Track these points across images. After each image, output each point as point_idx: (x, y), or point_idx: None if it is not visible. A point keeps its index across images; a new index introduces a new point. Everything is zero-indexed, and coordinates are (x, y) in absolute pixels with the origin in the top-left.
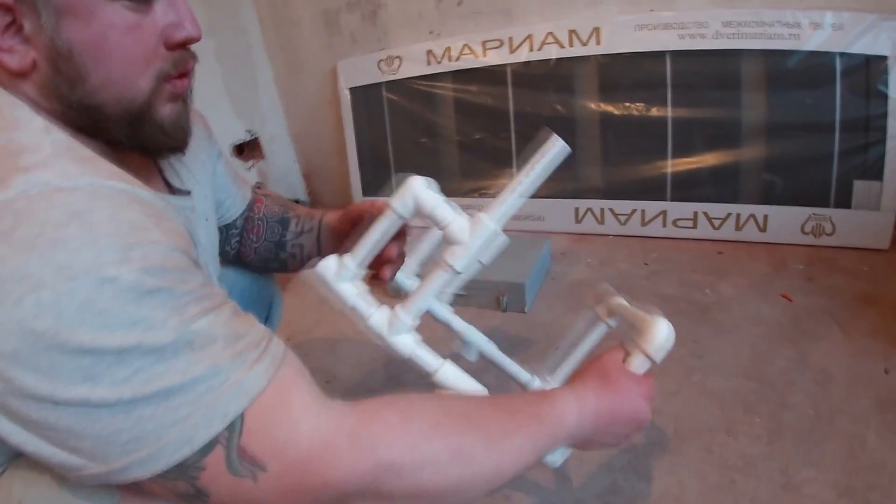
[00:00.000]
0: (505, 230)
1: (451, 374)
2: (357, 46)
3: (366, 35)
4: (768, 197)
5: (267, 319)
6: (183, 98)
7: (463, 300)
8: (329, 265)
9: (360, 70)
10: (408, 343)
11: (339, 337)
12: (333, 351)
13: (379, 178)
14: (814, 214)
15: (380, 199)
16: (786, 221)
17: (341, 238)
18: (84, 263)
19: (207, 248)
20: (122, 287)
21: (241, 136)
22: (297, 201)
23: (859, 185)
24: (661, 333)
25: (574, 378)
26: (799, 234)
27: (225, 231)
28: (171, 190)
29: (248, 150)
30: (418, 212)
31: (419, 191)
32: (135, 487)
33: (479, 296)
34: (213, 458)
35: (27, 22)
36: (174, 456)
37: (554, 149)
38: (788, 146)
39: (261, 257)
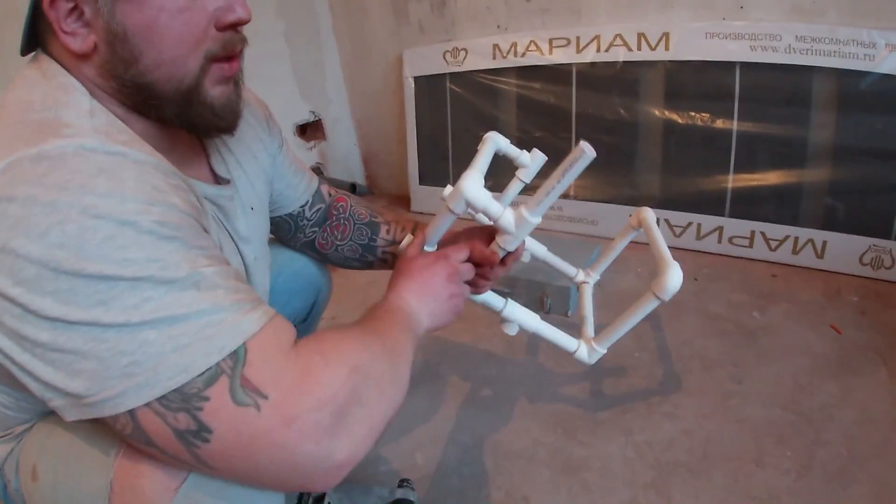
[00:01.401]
0: (558, 232)
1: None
2: (424, 36)
3: (433, 25)
4: (829, 223)
5: (313, 306)
6: (235, 80)
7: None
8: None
9: (426, 59)
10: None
11: None
12: None
13: (436, 168)
14: (874, 245)
15: (481, 248)
16: (845, 250)
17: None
18: (109, 207)
19: (251, 236)
20: (142, 230)
21: (305, 117)
22: (353, 185)
23: None
24: (672, 280)
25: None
26: (857, 265)
27: (293, 221)
28: (216, 177)
29: (310, 130)
30: (471, 208)
31: (471, 193)
32: (130, 443)
33: (524, 294)
34: (217, 388)
35: (87, 7)
36: (170, 382)
37: (583, 155)
38: (854, 172)
39: (342, 255)
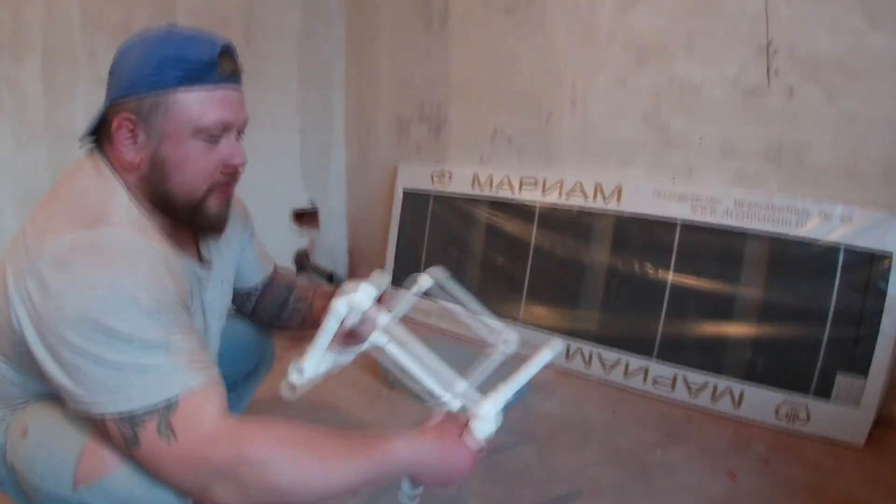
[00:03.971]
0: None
1: None
2: (419, 154)
3: (428, 147)
4: (749, 374)
5: (255, 370)
6: (228, 197)
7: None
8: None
9: (416, 176)
10: None
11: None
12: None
13: (408, 272)
14: (790, 400)
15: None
16: (761, 401)
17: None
18: (125, 286)
19: (215, 305)
20: (141, 306)
21: (304, 204)
22: (331, 275)
23: (842, 379)
24: (487, 423)
25: (425, 427)
26: (772, 417)
27: (245, 294)
28: (200, 258)
29: (306, 217)
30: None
31: (358, 301)
32: (99, 431)
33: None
34: (151, 420)
35: (141, 136)
36: (126, 406)
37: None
38: (778, 329)
39: (268, 314)
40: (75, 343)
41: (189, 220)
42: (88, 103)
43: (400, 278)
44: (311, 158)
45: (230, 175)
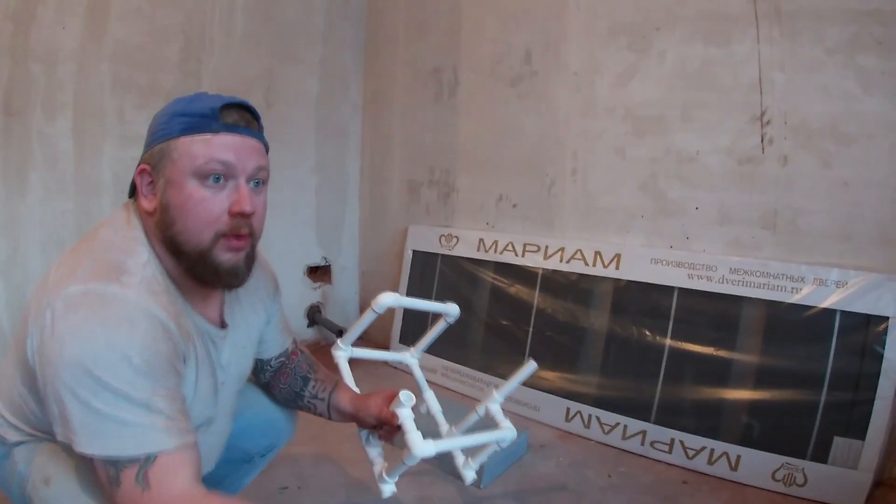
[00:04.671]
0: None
1: None
2: (428, 217)
3: (437, 210)
4: (745, 438)
5: (271, 446)
6: (246, 255)
7: (426, 461)
8: None
9: (425, 238)
10: None
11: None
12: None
13: (416, 331)
14: (787, 463)
15: (385, 412)
16: (758, 465)
17: (348, 419)
18: (121, 343)
19: (230, 367)
20: (132, 364)
21: (317, 261)
22: (341, 330)
23: (839, 442)
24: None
25: None
26: (769, 480)
27: (262, 363)
28: (221, 319)
29: (319, 272)
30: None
31: (389, 300)
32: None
33: (441, 460)
34: (130, 468)
35: (156, 183)
36: (110, 451)
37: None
38: (774, 393)
39: (283, 397)
40: (68, 383)
41: (198, 269)
42: (116, 159)
43: (408, 336)
44: (325, 217)
45: (237, 223)
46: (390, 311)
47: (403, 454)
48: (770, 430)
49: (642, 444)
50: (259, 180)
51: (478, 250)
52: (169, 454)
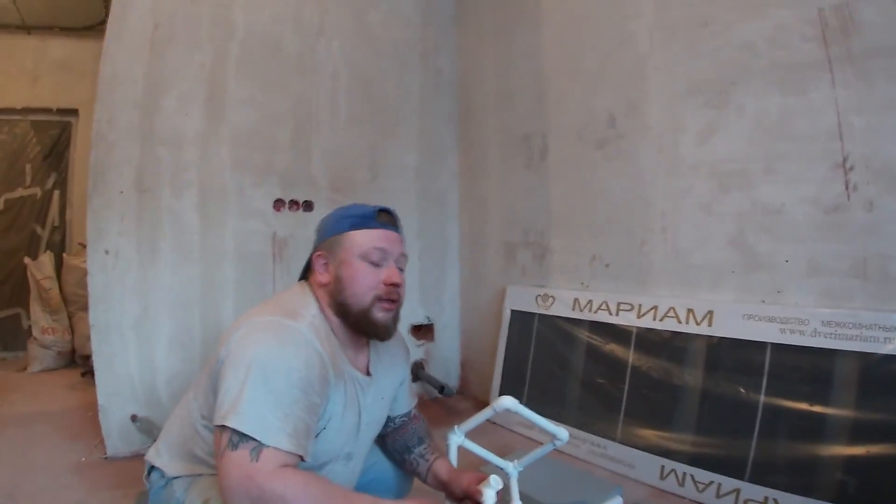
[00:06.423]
0: (597, 467)
1: None
2: (525, 278)
3: (533, 271)
4: (840, 495)
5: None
6: (394, 314)
7: None
8: None
9: (523, 298)
10: None
11: None
12: None
13: (515, 387)
14: None
15: (474, 487)
16: None
17: (440, 487)
18: (288, 358)
19: (373, 410)
20: (290, 376)
21: (421, 320)
22: (443, 386)
23: None
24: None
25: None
26: None
27: (388, 419)
28: (368, 370)
29: (423, 331)
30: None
31: (509, 403)
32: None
33: None
34: (247, 443)
35: (330, 264)
36: (241, 427)
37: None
38: (869, 448)
39: (394, 448)
40: (240, 371)
41: (361, 323)
42: (236, 230)
43: (507, 390)
44: (428, 278)
45: (389, 290)
46: (491, 364)
47: None
48: (866, 487)
49: (736, 502)
50: (402, 267)
51: (573, 309)
52: (281, 451)
